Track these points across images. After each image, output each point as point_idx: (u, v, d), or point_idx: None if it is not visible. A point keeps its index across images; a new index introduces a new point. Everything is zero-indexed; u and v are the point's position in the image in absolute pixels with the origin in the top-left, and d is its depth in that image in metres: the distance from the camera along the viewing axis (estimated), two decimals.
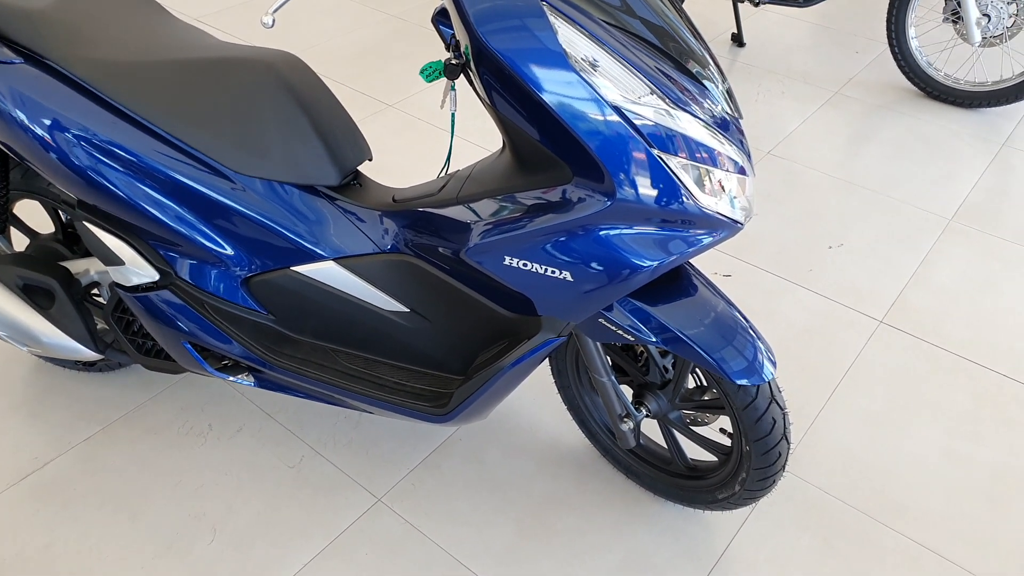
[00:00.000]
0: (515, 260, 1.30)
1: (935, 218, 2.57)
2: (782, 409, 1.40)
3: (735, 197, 1.25)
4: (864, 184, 2.73)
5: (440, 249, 1.42)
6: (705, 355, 1.31)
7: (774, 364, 1.37)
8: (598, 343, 1.47)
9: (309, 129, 1.46)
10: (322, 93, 1.52)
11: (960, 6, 2.97)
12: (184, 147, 1.44)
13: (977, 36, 2.95)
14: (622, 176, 1.16)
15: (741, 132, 1.28)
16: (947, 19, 3.10)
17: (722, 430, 1.58)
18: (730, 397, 1.39)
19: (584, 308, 1.32)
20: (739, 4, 3.66)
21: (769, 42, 3.61)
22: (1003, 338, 2.14)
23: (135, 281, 1.54)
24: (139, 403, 1.93)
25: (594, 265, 1.25)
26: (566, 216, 1.22)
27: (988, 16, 2.94)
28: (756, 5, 3.25)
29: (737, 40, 3.59)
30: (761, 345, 1.37)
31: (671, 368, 1.56)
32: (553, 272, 1.28)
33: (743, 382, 1.33)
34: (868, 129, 3.03)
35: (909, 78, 3.20)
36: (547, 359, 1.73)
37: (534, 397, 1.97)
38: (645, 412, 1.57)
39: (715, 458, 1.62)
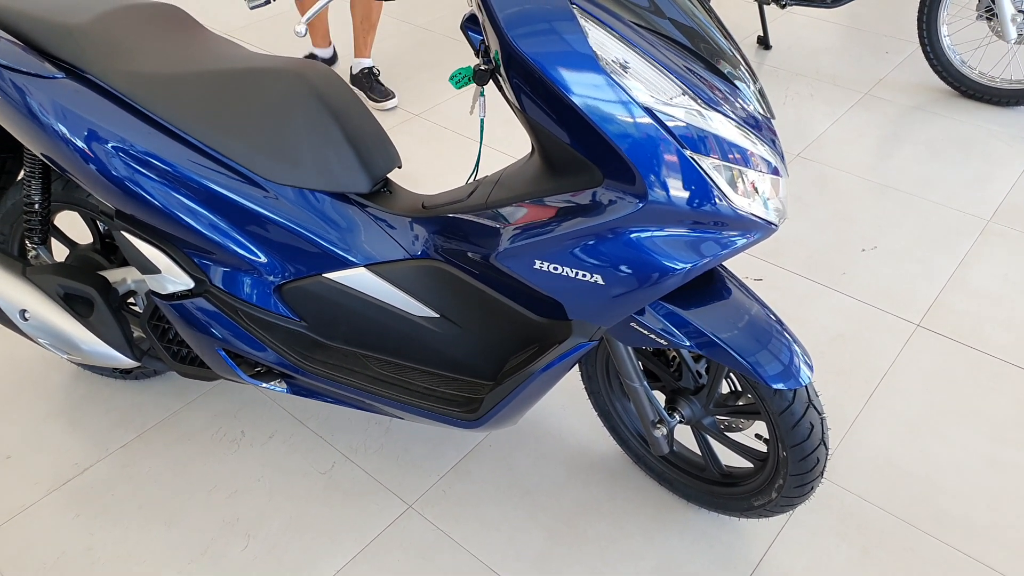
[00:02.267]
0: (545, 264, 1.29)
1: (973, 219, 2.52)
2: (820, 414, 1.38)
3: (768, 198, 1.24)
4: (897, 186, 2.68)
5: (469, 254, 1.43)
6: (740, 359, 1.29)
7: (811, 368, 1.35)
8: (629, 348, 1.46)
9: (340, 137, 1.48)
10: (352, 102, 1.53)
11: (995, 3, 2.91)
12: (218, 156, 1.46)
13: (1013, 33, 2.89)
14: (653, 178, 1.15)
15: (774, 132, 1.27)
16: (981, 16, 3.05)
17: (757, 435, 1.55)
18: (766, 402, 1.37)
19: (616, 312, 1.31)
20: (765, 6, 3.63)
21: (796, 44, 3.57)
22: None
23: (171, 289, 1.56)
24: (174, 410, 1.95)
25: (625, 268, 1.24)
26: (597, 219, 1.21)
27: (1022, 12, 2.88)
28: (782, 7, 3.22)
29: (763, 43, 3.56)
30: (797, 348, 1.34)
31: (704, 373, 1.54)
32: (584, 276, 1.28)
33: (779, 386, 1.31)
34: (900, 130, 2.98)
35: (942, 77, 3.15)
36: (577, 364, 1.73)
37: (564, 403, 1.96)
38: (678, 418, 1.55)
39: (750, 464, 1.59)
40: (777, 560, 1.62)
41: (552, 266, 1.29)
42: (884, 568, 1.60)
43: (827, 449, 1.41)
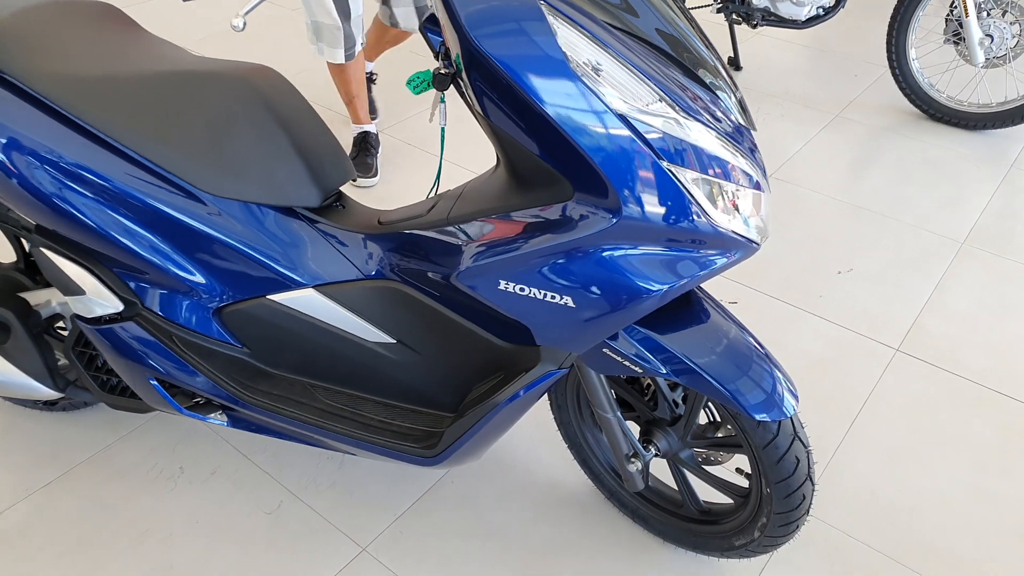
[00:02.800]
0: (511, 285, 1.18)
1: (947, 241, 2.47)
2: (806, 447, 1.28)
3: (749, 216, 1.15)
4: (871, 207, 2.63)
5: (429, 274, 1.31)
6: (720, 387, 1.19)
7: (796, 397, 1.25)
8: (602, 375, 1.35)
9: (288, 147, 1.36)
10: (302, 109, 1.41)
11: (962, 27, 2.91)
12: (154, 168, 1.33)
13: (980, 57, 2.89)
14: (627, 192, 1.05)
15: (755, 145, 1.18)
16: (948, 40, 3.04)
17: (739, 470, 1.45)
18: (748, 434, 1.27)
19: (587, 337, 1.20)
20: (735, 27, 3.61)
21: (766, 66, 3.54)
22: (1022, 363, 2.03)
23: (97, 312, 1.41)
24: (106, 444, 1.79)
25: (596, 289, 1.13)
26: (567, 236, 1.11)
27: (991, 36, 2.88)
28: (754, 27, 3.19)
29: (734, 64, 3.53)
30: (780, 375, 1.25)
31: (682, 403, 1.44)
32: (552, 298, 1.17)
33: (763, 417, 1.21)
34: (872, 152, 2.95)
35: (911, 100, 3.13)
36: (546, 393, 1.61)
37: (532, 433, 1.84)
38: (654, 451, 1.44)
39: (731, 500, 1.48)
40: None
41: (518, 287, 1.18)
42: None
43: (813, 485, 1.31)
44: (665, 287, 1.13)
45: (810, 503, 1.31)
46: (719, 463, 1.46)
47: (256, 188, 1.35)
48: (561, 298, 1.16)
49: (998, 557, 1.59)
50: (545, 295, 1.17)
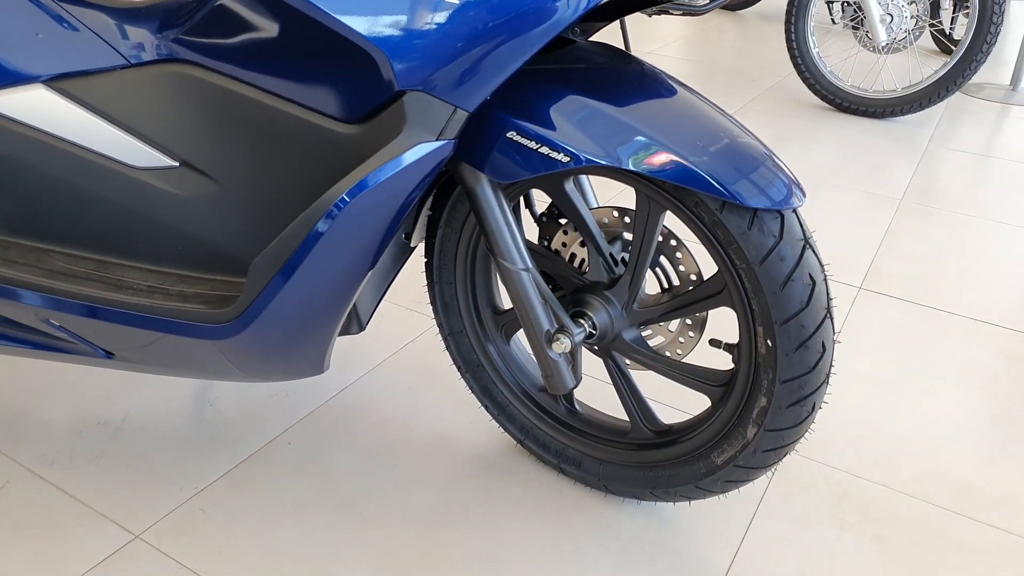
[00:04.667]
0: None
1: (885, 199, 2.20)
2: (820, 263, 0.83)
3: None
4: (799, 173, 2.35)
5: (233, 40, 0.83)
6: (691, 168, 0.76)
7: (803, 191, 0.82)
8: (504, 202, 0.88)
9: None
10: None
11: (860, 10, 2.80)
12: None
13: (883, 35, 2.77)
14: None
15: None
16: (847, 26, 2.94)
17: (714, 342, 0.97)
18: (736, 248, 0.82)
19: (483, 71, 0.74)
20: (626, 25, 3.43)
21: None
22: (1013, 297, 1.70)
23: None
24: None
25: None
26: None
27: (891, 16, 2.78)
28: (650, 16, 2.98)
29: None
30: (777, 161, 0.83)
31: (622, 262, 0.98)
32: None
33: (759, 203, 0.77)
34: (786, 134, 2.72)
35: (816, 92, 2.97)
36: (431, 296, 1.11)
37: (413, 381, 1.31)
38: (587, 328, 0.96)
39: (698, 410, 1.00)
40: (754, 566, 1.01)
41: None
42: (912, 559, 1.02)
43: (834, 329, 0.85)
44: None
45: (830, 366, 0.85)
46: (682, 344, 0.99)
47: None
48: None
49: None
50: None
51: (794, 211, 0.82)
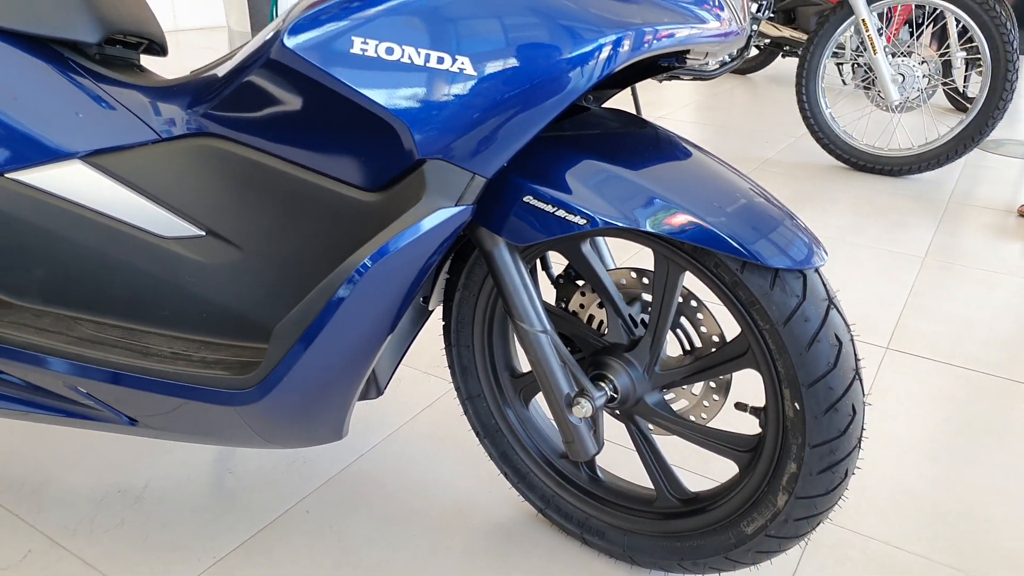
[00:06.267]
0: (371, 44, 0.74)
1: (907, 257, 2.18)
2: (846, 323, 0.82)
3: None
4: (818, 232, 2.34)
5: (257, 114, 0.85)
6: (711, 228, 0.76)
7: (824, 250, 0.82)
8: (521, 264, 0.89)
9: None
10: None
11: (871, 70, 2.85)
12: None
13: (896, 95, 2.80)
14: None
15: None
16: (858, 86, 2.97)
17: (740, 405, 0.95)
18: (758, 308, 0.81)
19: (500, 138, 0.76)
20: (637, 91, 3.50)
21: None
22: None
23: None
24: None
25: (510, 35, 0.71)
26: None
27: (902, 75, 2.82)
28: (660, 82, 3.05)
29: None
30: (796, 221, 0.83)
31: (642, 323, 0.97)
32: (440, 61, 0.73)
33: (780, 263, 0.76)
34: (802, 194, 2.73)
35: (831, 151, 2.99)
36: (449, 359, 1.11)
37: (430, 448, 1.29)
38: (608, 392, 0.94)
39: (724, 477, 0.97)
40: None
41: (383, 46, 0.74)
42: None
43: (864, 391, 0.83)
44: (611, 37, 0.72)
45: (862, 428, 0.83)
46: (704, 414, 0.97)
47: (4, 7, 0.90)
48: (454, 60, 0.73)
49: None
50: (426, 57, 0.73)
51: (816, 270, 0.82)
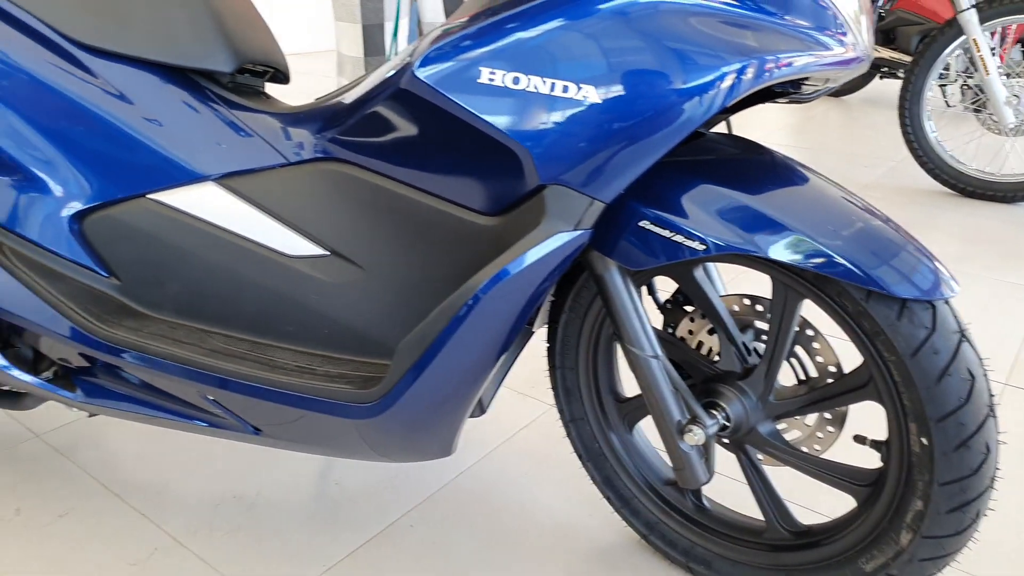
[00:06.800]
0: (498, 73, 0.77)
1: (1022, 288, 2.07)
2: (978, 356, 0.79)
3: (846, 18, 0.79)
4: None
5: (381, 139, 0.90)
6: (833, 255, 0.75)
7: (955, 280, 0.79)
8: (632, 288, 0.89)
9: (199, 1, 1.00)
10: None
11: (983, 91, 2.72)
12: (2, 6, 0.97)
13: (1011, 117, 2.67)
14: None
15: None
16: (967, 108, 2.85)
17: (859, 438, 0.92)
18: (884, 340, 0.79)
19: (618, 164, 0.77)
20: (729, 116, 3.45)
21: None
22: None
23: None
24: None
25: (632, 65, 0.73)
26: None
27: (1017, 97, 2.68)
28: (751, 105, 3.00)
29: None
30: (924, 251, 0.81)
31: (755, 351, 0.96)
32: (565, 89, 0.75)
33: (909, 294, 0.74)
34: (907, 220, 2.62)
35: (936, 176, 2.87)
36: (552, 377, 1.12)
37: (528, 469, 1.30)
38: (720, 420, 0.93)
39: (831, 511, 0.94)
40: None
41: (510, 76, 0.76)
42: None
43: (998, 428, 0.80)
44: (734, 66, 0.73)
45: (995, 469, 0.80)
46: (819, 447, 0.94)
47: (147, 40, 0.97)
48: (578, 87, 0.75)
49: None
50: (552, 85, 0.75)
51: (946, 301, 0.79)
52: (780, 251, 0.78)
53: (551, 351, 1.11)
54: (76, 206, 0.99)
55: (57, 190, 0.99)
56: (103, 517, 1.18)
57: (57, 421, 1.40)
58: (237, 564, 1.09)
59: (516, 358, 1.07)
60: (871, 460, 1.32)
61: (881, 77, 4.11)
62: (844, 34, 0.80)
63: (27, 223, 0.98)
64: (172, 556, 1.10)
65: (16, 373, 0.99)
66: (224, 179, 0.98)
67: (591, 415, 1.10)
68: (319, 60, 5.77)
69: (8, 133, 0.96)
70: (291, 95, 3.62)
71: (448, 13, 1.79)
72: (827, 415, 0.93)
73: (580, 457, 1.13)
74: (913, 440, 0.81)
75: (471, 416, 1.08)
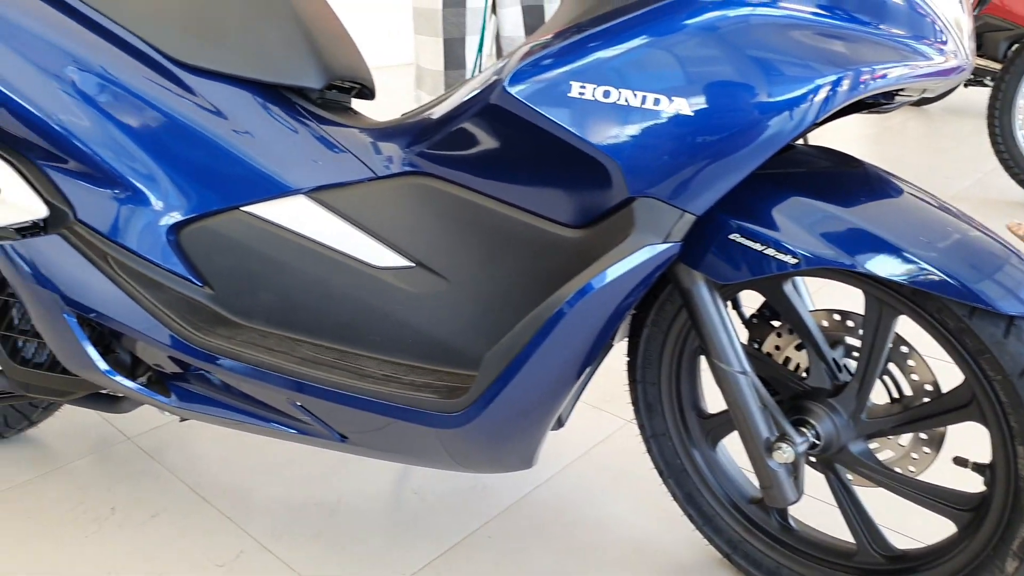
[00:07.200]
0: (588, 87, 0.77)
1: None
2: None
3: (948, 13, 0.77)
4: None
5: (468, 152, 0.91)
6: (935, 269, 0.72)
7: None
8: (719, 302, 0.88)
9: (289, 14, 1.04)
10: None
11: None
12: (104, 24, 1.02)
13: None
14: None
15: None
16: None
17: (958, 460, 0.88)
18: (987, 358, 0.75)
19: (709, 177, 0.76)
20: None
21: None
22: None
23: (11, 220, 1.03)
24: (22, 480, 1.31)
25: (722, 77, 0.72)
26: None
27: None
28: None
29: None
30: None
31: (845, 368, 0.93)
32: (656, 102, 0.75)
33: (1014, 310, 0.71)
34: (1001, 233, 2.50)
35: None
36: (632, 391, 1.11)
37: (606, 484, 1.29)
38: (810, 438, 0.91)
39: (923, 535, 0.91)
40: None
41: (601, 89, 0.77)
42: None
43: None
44: (828, 79, 0.71)
45: None
46: (916, 461, 0.91)
47: (241, 58, 1.02)
48: (670, 100, 0.74)
49: None
50: (643, 98, 0.75)
51: None
52: (876, 265, 0.76)
53: (632, 365, 1.10)
54: (174, 217, 1.03)
55: (156, 202, 1.03)
56: (192, 518, 1.22)
57: (146, 425, 1.47)
58: (320, 569, 1.11)
59: (594, 371, 1.07)
60: (972, 483, 1.26)
61: (966, 85, 3.95)
62: (944, 42, 0.77)
63: (128, 234, 1.03)
64: (257, 559, 1.14)
65: (118, 379, 1.04)
66: (315, 192, 1.01)
67: (673, 431, 1.08)
68: (393, 74, 5.89)
69: (112, 147, 1.01)
70: (368, 108, 3.71)
71: (527, 26, 1.81)
72: (923, 435, 0.90)
73: (661, 473, 1.11)
74: (1021, 463, 0.77)
75: (551, 429, 1.08)
